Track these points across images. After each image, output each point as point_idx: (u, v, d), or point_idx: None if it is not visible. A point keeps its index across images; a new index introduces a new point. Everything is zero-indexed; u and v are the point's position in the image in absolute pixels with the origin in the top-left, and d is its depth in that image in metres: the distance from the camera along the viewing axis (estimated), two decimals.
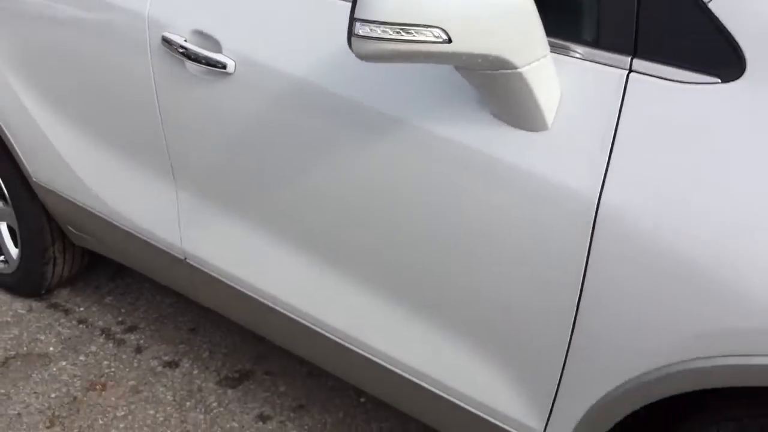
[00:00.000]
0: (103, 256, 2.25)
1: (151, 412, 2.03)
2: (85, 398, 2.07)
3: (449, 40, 0.99)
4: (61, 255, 2.34)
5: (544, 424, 1.29)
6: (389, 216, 1.35)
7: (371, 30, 0.99)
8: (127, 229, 1.91)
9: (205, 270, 1.76)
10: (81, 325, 2.35)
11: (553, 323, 1.19)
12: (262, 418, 2.02)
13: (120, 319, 2.39)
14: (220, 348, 2.27)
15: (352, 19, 1.00)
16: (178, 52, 1.53)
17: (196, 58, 1.51)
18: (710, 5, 1.01)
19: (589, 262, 1.11)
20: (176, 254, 1.81)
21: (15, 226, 2.33)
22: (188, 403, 2.06)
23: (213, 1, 1.51)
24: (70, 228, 2.18)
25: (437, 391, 1.41)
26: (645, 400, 1.13)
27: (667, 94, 1.04)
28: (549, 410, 1.27)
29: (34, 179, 2.12)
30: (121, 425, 1.98)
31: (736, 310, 1.01)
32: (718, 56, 1.01)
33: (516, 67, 1.05)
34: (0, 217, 2.38)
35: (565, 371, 1.21)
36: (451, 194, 1.24)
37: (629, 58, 1.07)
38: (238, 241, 1.66)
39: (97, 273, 2.57)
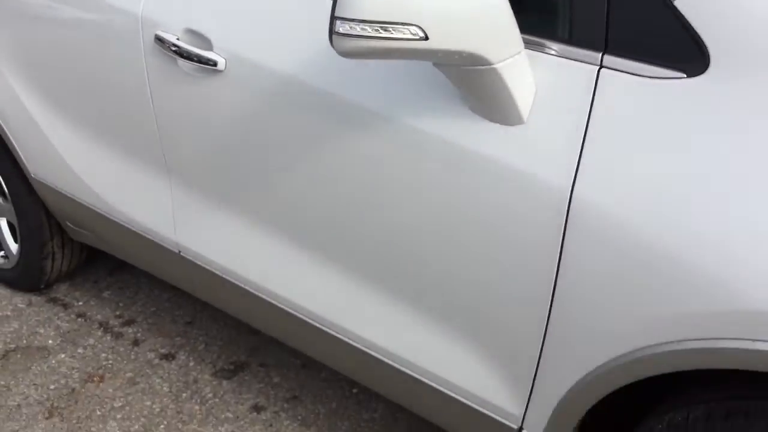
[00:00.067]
0: (101, 251, 2.30)
1: (148, 402, 2.08)
2: (83, 390, 2.12)
3: (426, 38, 1.03)
4: (60, 250, 2.39)
5: (524, 409, 1.33)
6: (373, 208, 1.39)
7: (351, 28, 1.03)
8: (123, 224, 1.96)
9: (199, 263, 1.80)
10: (79, 319, 2.40)
11: (530, 310, 1.24)
12: (257, 408, 2.07)
13: (118, 312, 2.43)
14: (216, 341, 2.32)
15: (333, 18, 1.04)
16: (171, 50, 1.58)
17: (188, 56, 1.55)
18: (676, 4, 1.06)
19: (563, 251, 1.15)
20: (170, 248, 1.86)
21: (15, 222, 2.37)
22: (184, 394, 2.11)
23: (204, 1, 1.56)
24: (68, 223, 2.23)
25: (419, 377, 1.46)
26: (620, 382, 1.17)
27: (635, 88, 1.09)
28: (528, 395, 1.31)
29: (33, 176, 2.16)
30: (119, 416, 2.03)
31: (702, 296, 1.05)
32: (684, 52, 1.06)
33: (491, 63, 1.09)
34: (0, 213, 2.43)
35: (542, 356, 1.26)
36: (432, 186, 1.28)
37: (600, 55, 1.12)
38: (231, 234, 1.70)
39: (96, 268, 2.62)
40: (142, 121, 1.74)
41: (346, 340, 1.57)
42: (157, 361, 2.23)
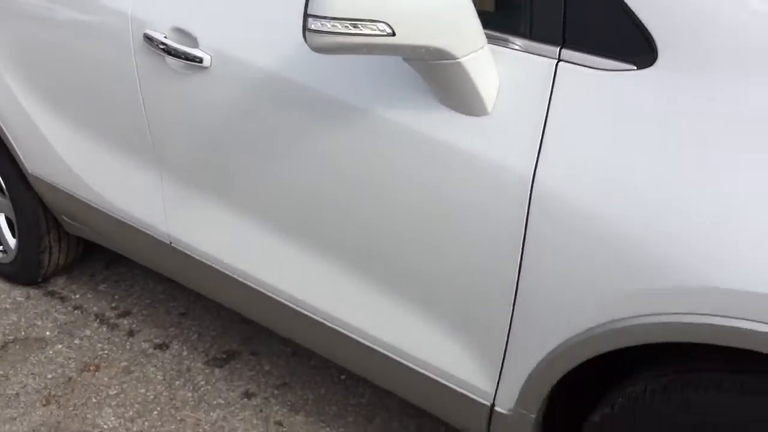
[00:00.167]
0: (98, 245, 2.37)
1: (142, 390, 2.15)
2: (79, 378, 2.19)
3: (393, 34, 1.10)
4: (57, 244, 2.46)
5: (495, 386, 1.41)
6: (352, 197, 1.46)
7: (322, 25, 1.10)
8: (117, 217, 2.03)
9: (189, 253, 1.88)
10: (76, 311, 2.47)
11: (498, 289, 1.31)
12: (248, 395, 2.14)
13: (113, 305, 2.50)
14: (209, 331, 2.39)
15: (306, 15, 1.11)
16: (159, 48, 1.65)
17: (175, 54, 1.62)
18: (627, 1, 1.13)
19: (527, 232, 1.23)
20: (162, 239, 1.93)
21: (13, 218, 2.45)
22: (177, 382, 2.18)
23: (191, 0, 1.63)
24: (64, 218, 2.30)
25: (397, 358, 1.53)
26: (582, 357, 1.24)
27: (590, 80, 1.16)
28: (499, 372, 1.38)
29: (30, 172, 2.23)
30: (113, 403, 2.10)
31: (655, 274, 1.12)
32: (634, 46, 1.13)
33: (455, 58, 1.16)
34: None
35: (511, 334, 1.33)
36: (405, 174, 1.35)
37: (558, 49, 1.19)
38: (219, 225, 1.77)
39: (92, 262, 2.69)
40: (133, 117, 1.82)
41: (325, 322, 1.64)
42: (151, 350, 2.30)
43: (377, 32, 1.10)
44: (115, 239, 2.17)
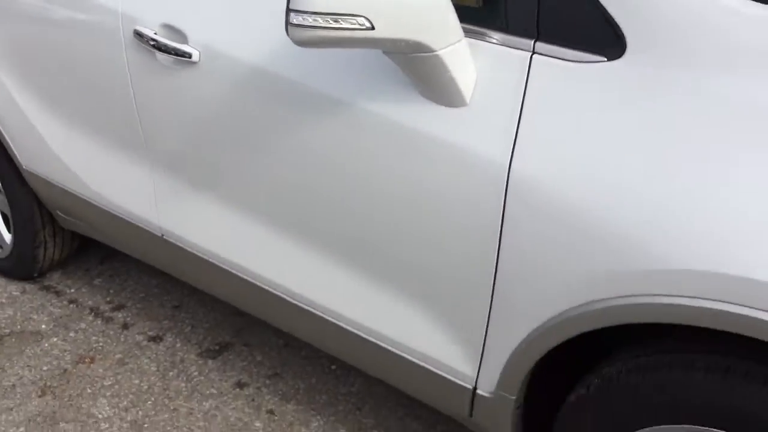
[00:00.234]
0: (93, 241, 2.41)
1: (136, 381, 2.19)
2: (74, 370, 2.23)
3: (372, 27, 1.15)
4: (52, 239, 2.49)
5: (477, 369, 1.45)
6: (337, 188, 1.50)
7: (304, 19, 1.14)
8: (110, 211, 2.07)
9: (180, 245, 1.92)
10: (71, 305, 2.51)
11: (477, 274, 1.35)
12: (240, 385, 2.18)
13: (108, 299, 2.54)
14: (202, 323, 2.43)
15: (288, 10, 1.15)
16: (149, 44, 1.69)
17: (165, 50, 1.66)
18: None
19: (505, 219, 1.27)
20: (154, 232, 1.97)
21: (8, 213, 2.48)
22: (171, 373, 2.22)
23: None
24: (59, 212, 2.34)
25: (380, 343, 1.57)
26: (559, 339, 1.29)
27: (563, 72, 1.20)
28: (480, 355, 1.43)
29: (24, 168, 2.27)
30: (108, 393, 2.14)
31: (628, 256, 1.16)
32: (604, 38, 1.17)
33: (433, 51, 1.20)
34: None
35: (491, 318, 1.37)
36: (388, 163, 1.40)
37: (532, 42, 1.23)
38: (208, 217, 1.81)
39: (87, 257, 2.73)
40: (124, 112, 1.86)
41: (312, 310, 1.68)
42: (145, 343, 2.34)
43: (357, 26, 1.15)
44: (109, 233, 2.21)
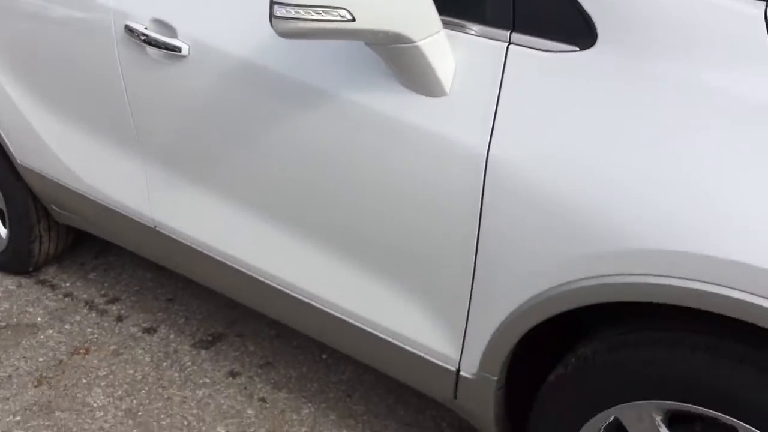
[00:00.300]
0: (88, 235, 2.45)
1: (131, 371, 2.23)
2: (70, 361, 2.27)
3: (353, 19, 1.19)
4: (47, 233, 2.53)
5: (460, 351, 1.49)
6: (325, 177, 1.55)
7: (287, 11, 1.18)
8: (104, 204, 2.11)
9: (173, 237, 1.96)
10: (67, 298, 2.55)
11: (458, 257, 1.40)
12: (232, 374, 2.22)
13: (103, 292, 2.58)
14: (196, 315, 2.47)
15: (272, 2, 1.20)
16: (140, 39, 1.73)
17: (155, 44, 1.70)
18: None
19: (484, 204, 1.32)
20: (147, 224, 2.01)
21: (3, 208, 2.52)
22: (164, 364, 2.26)
23: None
24: (53, 206, 2.38)
25: (365, 327, 1.62)
26: (538, 318, 1.33)
27: (537, 62, 1.25)
28: (462, 337, 1.47)
29: (19, 163, 2.31)
30: (103, 383, 2.18)
31: (604, 237, 1.21)
32: (576, 28, 1.22)
33: (413, 42, 1.25)
34: None
35: (472, 299, 1.42)
36: (371, 151, 1.44)
37: (508, 33, 1.28)
38: (200, 208, 1.86)
39: (82, 251, 2.77)
40: (117, 106, 1.90)
41: (300, 297, 1.73)
42: (139, 334, 2.38)
43: (338, 18, 1.19)
44: (103, 226, 2.25)
